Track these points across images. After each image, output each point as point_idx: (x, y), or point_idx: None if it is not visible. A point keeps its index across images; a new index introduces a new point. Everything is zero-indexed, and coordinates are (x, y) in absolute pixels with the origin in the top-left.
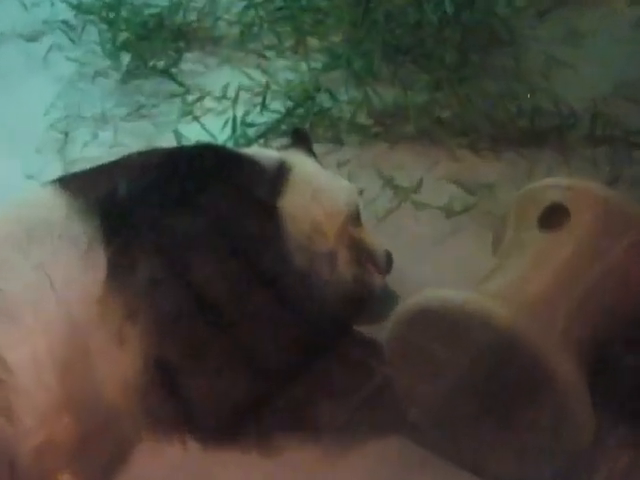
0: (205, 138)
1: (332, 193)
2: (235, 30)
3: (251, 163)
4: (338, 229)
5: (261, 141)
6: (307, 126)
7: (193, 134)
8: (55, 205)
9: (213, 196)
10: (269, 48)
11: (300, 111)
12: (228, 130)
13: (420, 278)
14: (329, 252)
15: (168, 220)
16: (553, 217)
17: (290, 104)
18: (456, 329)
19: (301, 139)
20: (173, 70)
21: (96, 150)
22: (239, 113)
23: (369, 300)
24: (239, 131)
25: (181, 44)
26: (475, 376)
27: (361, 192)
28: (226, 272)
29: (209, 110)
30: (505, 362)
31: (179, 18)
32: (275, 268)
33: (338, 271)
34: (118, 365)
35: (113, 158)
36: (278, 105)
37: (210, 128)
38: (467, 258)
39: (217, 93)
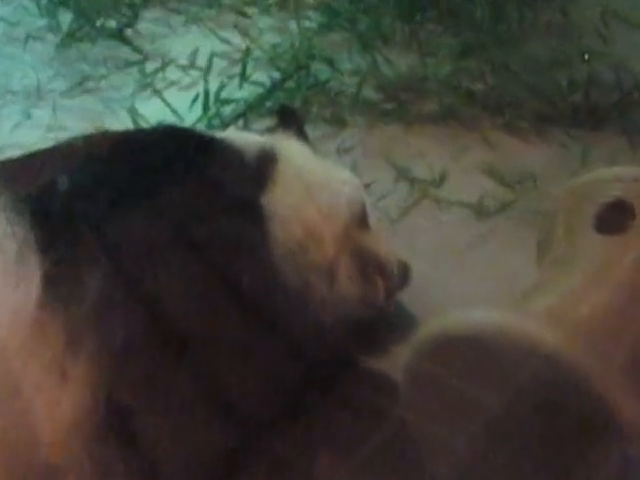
0: (168, 118)
1: (330, 188)
2: None
3: (227, 150)
4: (338, 234)
5: (240, 122)
6: (299, 103)
7: (153, 113)
8: None
9: (178, 193)
10: (249, 3)
11: (290, 84)
12: (198, 108)
13: (444, 295)
14: (327, 263)
15: (121, 223)
16: (614, 217)
17: (277, 75)
18: (491, 361)
19: (291, 120)
20: (127, 32)
21: (29, 134)
22: (212, 87)
23: (379, 324)
24: (212, 109)
25: None
26: (516, 420)
27: (368, 187)
28: (194, 289)
29: (173, 83)
30: (555, 401)
31: None
32: (257, 284)
33: (338, 287)
34: (58, 405)
35: (50, 144)
36: (261, 76)
37: (175, 105)
38: (504, 269)
39: (183, 61)
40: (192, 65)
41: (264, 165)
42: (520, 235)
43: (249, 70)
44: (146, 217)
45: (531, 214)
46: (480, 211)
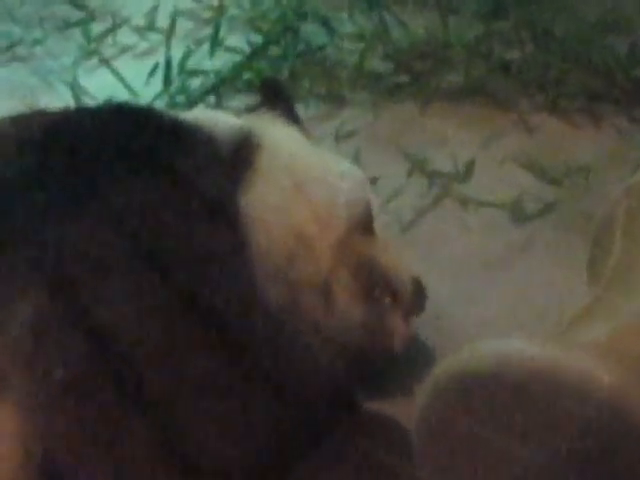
0: (120, 94)
1: (326, 184)
2: None
3: (193, 136)
4: (336, 242)
5: (211, 99)
6: (286, 75)
7: (100, 87)
8: None
9: (131, 191)
10: None
11: (275, 51)
12: (158, 82)
13: (470, 321)
14: (321, 280)
15: (57, 229)
16: None
17: (258, 39)
18: (532, 403)
19: (276, 97)
20: None
21: None
22: (175, 54)
23: (387, 358)
24: (176, 83)
25: None
26: (564, 475)
27: (374, 182)
28: (151, 316)
29: (126, 49)
30: (612, 451)
31: None
32: (231, 309)
33: (337, 311)
34: None
35: None
36: (238, 41)
37: (128, 78)
38: (546, 287)
39: (139, 21)
40: (150, 27)
41: (241, 155)
42: (567, 244)
43: (222, 33)
44: (89, 223)
45: (581, 218)
46: (516, 213)
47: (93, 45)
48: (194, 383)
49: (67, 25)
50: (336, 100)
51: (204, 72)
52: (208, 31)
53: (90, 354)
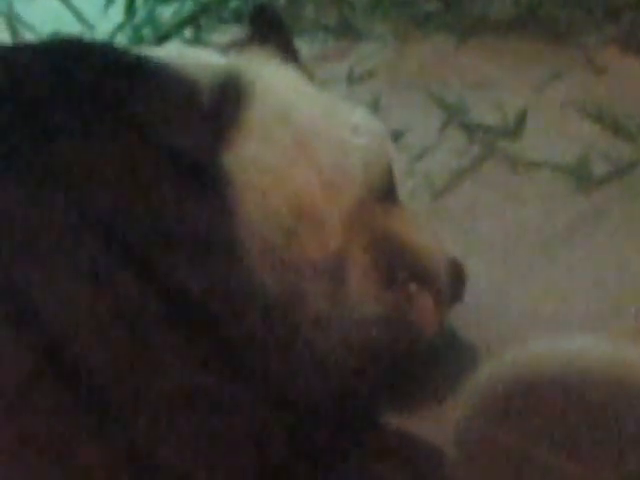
0: (69, 27)
1: (336, 139)
2: None
3: (165, 80)
4: (348, 213)
5: (188, 33)
6: (284, 2)
7: (44, 19)
8: None
9: (83, 148)
10: None
11: None
12: (119, 10)
13: (522, 313)
14: (330, 261)
15: None
16: None
17: None
18: (598, 417)
19: (272, 29)
20: None
21: None
22: None
23: (414, 360)
24: (141, 13)
25: None
26: None
27: (398, 137)
28: (110, 309)
29: None
30: None
31: None
32: (216, 297)
33: (349, 300)
34: None
35: None
36: None
37: (80, 6)
38: (619, 271)
39: None
40: None
41: (226, 103)
42: None
43: None
44: (28, 191)
45: None
46: (581, 178)
47: None
48: (167, 393)
49: None
50: (349, 33)
51: None
52: None
53: (37, 361)
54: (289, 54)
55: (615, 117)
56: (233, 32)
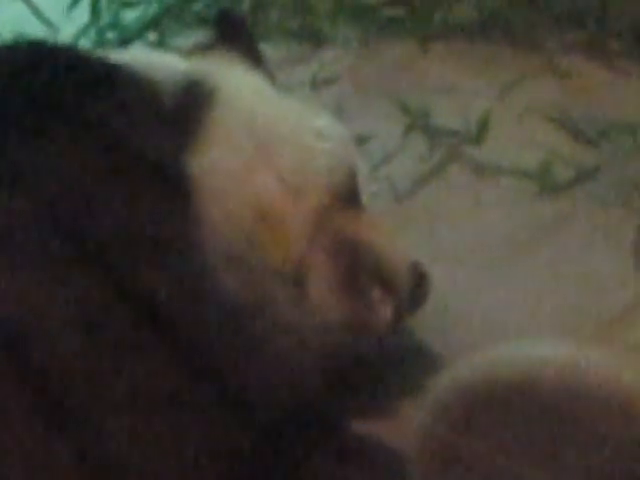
0: (33, 29)
1: (299, 144)
2: None
3: (129, 83)
4: (311, 218)
5: (152, 37)
6: (248, 5)
7: (7, 20)
8: None
9: (46, 152)
10: None
11: None
12: (83, 12)
13: (485, 318)
14: (292, 266)
15: None
16: None
17: None
18: (564, 423)
19: (235, 33)
20: None
21: None
22: None
23: (379, 365)
24: (105, 15)
25: None
26: None
27: (363, 142)
28: (72, 312)
29: None
30: None
31: None
32: (177, 302)
33: (311, 305)
34: None
35: None
36: None
37: (43, 7)
38: (581, 275)
39: None
40: None
41: (189, 107)
42: (607, 221)
43: None
44: None
45: (625, 187)
46: (545, 182)
47: None
48: (130, 396)
49: None
50: (312, 37)
51: (142, 1)
52: None
53: (0, 363)
54: (253, 58)
55: (577, 122)
56: (197, 36)
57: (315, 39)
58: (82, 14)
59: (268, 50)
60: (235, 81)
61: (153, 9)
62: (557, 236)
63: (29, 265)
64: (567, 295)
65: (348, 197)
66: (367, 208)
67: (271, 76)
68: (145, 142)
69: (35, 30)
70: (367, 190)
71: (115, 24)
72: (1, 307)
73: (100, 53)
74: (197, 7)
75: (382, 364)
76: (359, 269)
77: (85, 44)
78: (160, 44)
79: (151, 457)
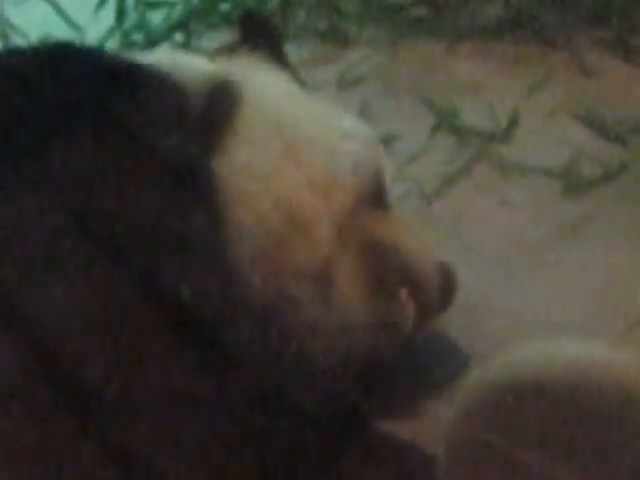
0: (60, 32)
1: (326, 146)
2: None
3: (155, 85)
4: (338, 219)
5: (178, 38)
6: (274, 7)
7: (34, 23)
8: None
9: (73, 153)
10: None
11: None
12: (109, 15)
13: (511, 318)
14: (319, 267)
15: None
16: None
17: None
18: (591, 422)
19: (262, 34)
20: None
21: None
22: None
23: (406, 365)
24: (131, 17)
25: None
26: None
27: (389, 143)
28: (99, 314)
29: None
30: None
31: None
32: (204, 303)
33: (338, 306)
34: None
35: None
36: None
37: (70, 11)
38: (608, 276)
39: None
40: None
41: (216, 109)
42: (634, 219)
43: None
44: (17, 196)
45: None
46: (570, 182)
47: None
48: (157, 395)
49: None
50: (339, 38)
51: (168, 2)
52: None
53: (25, 362)
54: (279, 59)
55: (604, 120)
56: (223, 37)
57: (342, 39)
58: (108, 16)
59: (294, 50)
60: (261, 82)
61: (179, 11)
62: (584, 235)
63: (57, 266)
64: (593, 294)
65: (375, 197)
66: (394, 208)
67: (297, 76)
68: (172, 143)
69: (61, 32)
70: (394, 190)
71: (141, 26)
72: (29, 308)
73: (126, 55)
74: (223, 8)
75: (410, 364)
76: (386, 269)
77: (111, 46)
78: (186, 45)
79: (180, 458)
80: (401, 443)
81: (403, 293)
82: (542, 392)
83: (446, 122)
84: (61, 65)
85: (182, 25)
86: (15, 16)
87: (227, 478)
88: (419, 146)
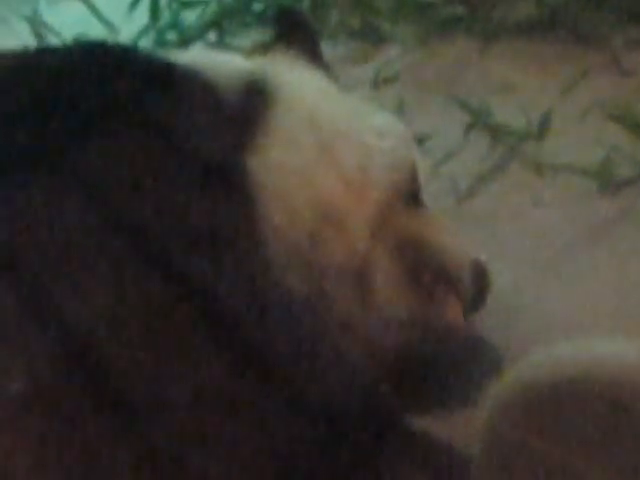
0: (93, 31)
1: (361, 143)
2: None
3: (190, 84)
4: (373, 217)
5: (212, 37)
6: (308, 5)
7: (68, 23)
8: None
9: (108, 152)
10: None
11: None
12: (143, 14)
13: (548, 316)
14: (355, 264)
15: (10, 200)
16: None
17: None
18: (632, 424)
19: (296, 33)
20: None
21: None
22: None
23: (440, 363)
24: (165, 16)
25: None
26: None
27: (423, 141)
28: (134, 311)
29: None
30: None
31: None
32: (240, 301)
33: (375, 303)
34: None
35: None
36: None
37: (104, 10)
38: None
39: None
40: None
41: (251, 107)
42: None
43: None
44: (53, 193)
45: None
46: (605, 181)
47: None
48: (191, 395)
49: None
50: (374, 36)
51: (202, 1)
52: None
53: (59, 361)
54: (313, 57)
55: (639, 120)
56: (256, 36)
57: (375, 38)
58: (142, 15)
59: (328, 49)
60: (296, 80)
61: (213, 9)
62: (618, 234)
63: (92, 265)
64: (628, 293)
65: (409, 195)
66: (428, 206)
67: (332, 74)
68: (207, 142)
69: (95, 31)
70: (428, 188)
71: (175, 25)
72: (62, 307)
73: (160, 54)
74: (257, 6)
75: (445, 362)
76: (422, 266)
77: (145, 45)
78: (220, 44)
79: (212, 459)
80: (435, 443)
81: (439, 290)
82: (576, 392)
83: (480, 121)
84: (96, 64)
85: (216, 24)
86: (49, 16)
87: (259, 478)
88: (453, 144)
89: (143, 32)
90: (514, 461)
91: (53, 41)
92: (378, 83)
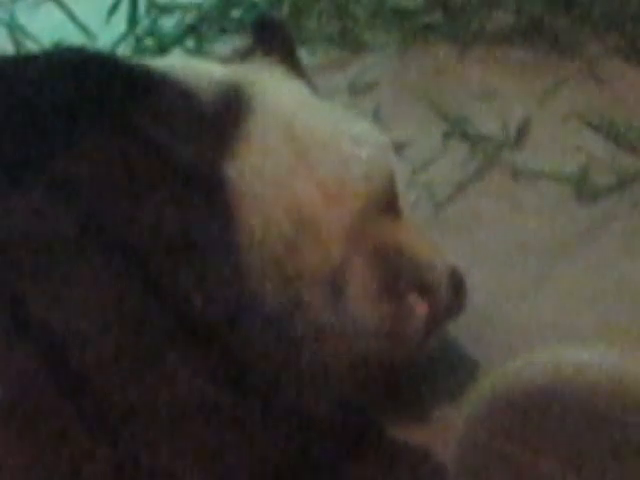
0: (72, 37)
1: (338, 151)
2: None
3: (168, 91)
4: (350, 225)
5: (190, 43)
6: (287, 11)
7: (46, 28)
8: None
9: (85, 158)
10: None
11: None
12: (120, 20)
13: (524, 324)
14: (330, 272)
15: None
16: None
17: None
18: (603, 429)
19: (275, 39)
20: None
21: None
22: None
23: (416, 372)
24: (143, 22)
25: None
26: None
27: (400, 148)
28: (113, 319)
29: None
30: None
31: None
32: (216, 308)
33: (350, 312)
34: None
35: None
36: None
37: (82, 16)
38: (619, 284)
39: None
40: None
41: (229, 113)
42: None
43: None
44: (30, 200)
45: None
46: (583, 188)
47: None
48: (170, 403)
49: None
50: (351, 43)
51: (180, 7)
52: None
53: (39, 368)
54: (291, 64)
55: (617, 128)
56: (235, 42)
57: (354, 45)
58: (120, 21)
59: (306, 56)
60: (274, 87)
61: (191, 16)
62: (596, 241)
63: (69, 270)
64: (606, 300)
65: (386, 203)
66: (406, 214)
67: (309, 82)
68: (184, 148)
69: (73, 37)
70: (406, 196)
71: (153, 31)
72: (41, 312)
73: (138, 60)
74: (235, 13)
75: (420, 370)
76: (397, 275)
77: (123, 51)
78: (199, 51)
79: (192, 466)
80: (412, 450)
81: (414, 298)
82: (553, 399)
83: (458, 128)
84: (74, 70)
85: (194, 30)
86: (27, 22)
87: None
88: (431, 152)
89: (121, 39)
90: (490, 468)
91: (31, 47)
92: (356, 90)
